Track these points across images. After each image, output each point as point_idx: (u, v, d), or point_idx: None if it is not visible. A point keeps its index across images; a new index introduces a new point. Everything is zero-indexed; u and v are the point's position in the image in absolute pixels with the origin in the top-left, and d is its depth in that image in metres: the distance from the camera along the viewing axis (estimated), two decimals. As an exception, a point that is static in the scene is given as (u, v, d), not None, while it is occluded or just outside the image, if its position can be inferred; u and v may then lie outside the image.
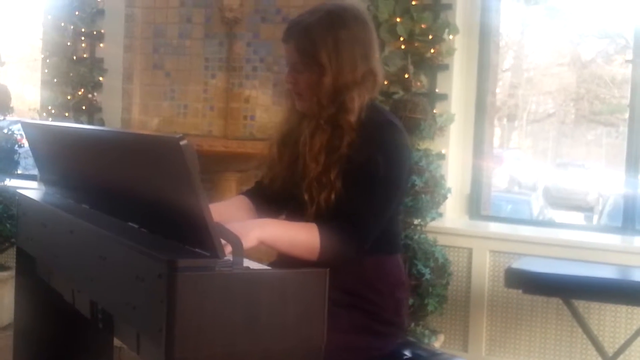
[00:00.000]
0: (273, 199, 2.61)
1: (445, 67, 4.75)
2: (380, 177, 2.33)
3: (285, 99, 2.63)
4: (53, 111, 5.68)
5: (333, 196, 2.34)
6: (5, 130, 5.37)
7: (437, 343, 4.47)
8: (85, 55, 5.72)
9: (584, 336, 4.06)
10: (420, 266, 4.28)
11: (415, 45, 4.70)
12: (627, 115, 4.93)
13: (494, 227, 4.94)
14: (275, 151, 2.58)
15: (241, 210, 2.65)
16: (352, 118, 2.39)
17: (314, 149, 2.40)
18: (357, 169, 2.33)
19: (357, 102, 2.40)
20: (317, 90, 2.40)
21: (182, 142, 1.76)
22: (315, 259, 2.22)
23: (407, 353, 2.49)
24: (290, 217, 2.51)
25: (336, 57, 2.39)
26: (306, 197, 2.39)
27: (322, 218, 2.34)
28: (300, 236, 2.25)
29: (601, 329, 4.35)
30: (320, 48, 2.39)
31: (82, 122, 5.55)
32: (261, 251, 2.30)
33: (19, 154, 5.38)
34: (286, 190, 2.52)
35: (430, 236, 4.46)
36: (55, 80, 5.74)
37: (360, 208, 2.31)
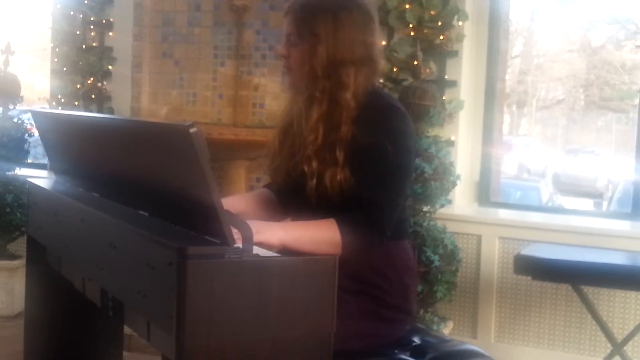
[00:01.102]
0: (278, 192, 2.62)
1: (455, 54, 4.74)
2: (391, 164, 2.33)
3: (288, 89, 2.63)
4: (63, 100, 5.70)
5: (340, 177, 2.34)
6: (16, 120, 5.39)
7: (446, 330, 4.47)
8: (94, 44, 5.72)
9: (593, 322, 4.06)
10: (429, 253, 4.28)
11: (425, 32, 4.69)
12: (637, 101, 4.92)
13: (503, 214, 4.94)
14: (276, 143, 2.58)
15: (264, 202, 2.67)
16: (348, 95, 2.38)
17: (311, 120, 2.40)
18: (366, 155, 2.33)
19: (354, 79, 2.40)
20: (311, 60, 2.40)
21: (192, 130, 1.77)
22: (339, 254, 2.22)
23: (416, 339, 2.49)
24: (291, 199, 2.51)
25: (333, 32, 2.39)
26: (305, 168, 2.39)
27: (327, 199, 2.34)
28: (320, 234, 2.25)
29: (610, 315, 4.36)
30: (318, 20, 2.40)
31: (91, 111, 5.57)
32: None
33: (29, 143, 5.40)
34: (288, 180, 2.52)
35: (439, 223, 4.46)
36: (64, 69, 5.75)
37: (376, 197, 2.31)
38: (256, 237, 2.01)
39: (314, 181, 2.36)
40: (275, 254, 2.06)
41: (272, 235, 2.15)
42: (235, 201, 2.59)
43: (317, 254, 2.19)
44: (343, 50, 2.39)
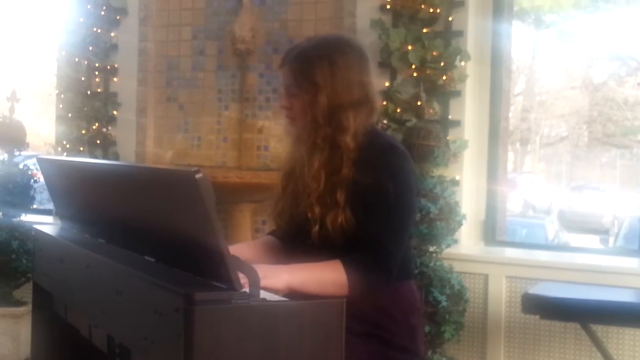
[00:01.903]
0: (283, 235, 2.62)
1: (458, 94, 4.76)
2: (394, 204, 2.34)
3: (287, 135, 2.65)
4: (68, 146, 5.72)
5: (341, 219, 2.35)
6: (21, 166, 5.40)
7: (456, 370, 4.44)
8: (99, 90, 5.76)
9: (604, 361, 4.03)
10: (436, 293, 4.26)
11: (427, 72, 4.71)
12: (640, 138, 4.91)
13: (510, 253, 4.92)
14: (279, 188, 2.59)
15: (269, 250, 2.67)
16: (348, 138, 2.40)
17: (313, 168, 2.42)
18: (368, 196, 2.34)
19: (353, 122, 2.42)
20: (312, 109, 2.42)
21: (198, 176, 1.77)
22: (346, 295, 2.22)
23: (425, 381, 2.48)
24: (296, 243, 2.51)
25: (331, 78, 2.41)
26: (309, 215, 2.40)
27: (330, 241, 2.35)
28: (326, 275, 2.26)
29: (620, 353, 4.32)
30: (315, 68, 2.42)
31: (96, 156, 5.58)
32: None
33: (35, 189, 5.40)
34: (292, 223, 2.52)
35: (445, 263, 4.45)
36: (69, 115, 5.78)
37: (381, 237, 2.32)
38: (262, 282, 2.01)
39: (317, 227, 2.37)
40: (283, 298, 2.05)
41: (278, 280, 2.15)
42: (240, 249, 2.59)
43: (323, 295, 2.19)
44: (341, 94, 2.41)
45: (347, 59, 2.44)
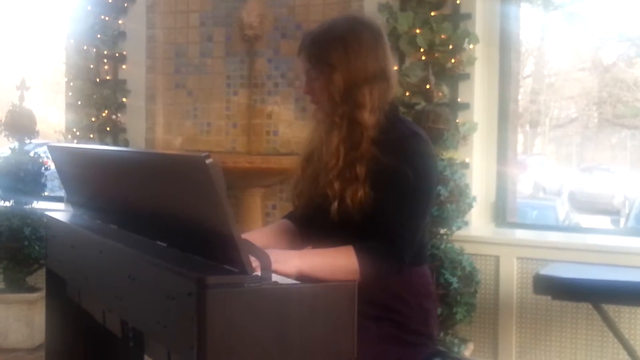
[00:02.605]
0: (302, 216, 2.63)
1: (467, 77, 4.75)
2: (411, 191, 2.34)
3: (311, 119, 2.66)
4: (78, 133, 5.74)
5: (360, 194, 2.36)
6: (32, 154, 5.42)
7: (467, 352, 4.45)
8: (108, 77, 5.77)
9: (615, 341, 4.03)
10: (447, 275, 4.27)
11: (436, 55, 4.71)
12: (650, 118, 4.90)
13: (521, 234, 4.93)
14: (299, 170, 2.61)
15: (285, 234, 2.67)
16: (366, 114, 2.42)
17: (332, 145, 2.44)
18: (387, 179, 2.34)
19: (369, 97, 2.43)
20: (329, 89, 2.44)
21: (208, 161, 1.78)
22: (357, 281, 2.23)
23: (438, 363, 2.49)
24: (314, 223, 2.52)
25: (346, 57, 2.43)
26: (328, 191, 2.41)
27: (349, 217, 2.36)
28: (338, 262, 2.26)
29: (633, 332, 4.32)
30: (329, 50, 2.45)
31: (106, 143, 5.60)
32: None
33: (46, 176, 5.42)
34: (311, 203, 2.54)
35: (456, 245, 4.45)
36: (79, 102, 5.80)
37: (395, 225, 2.32)
38: (273, 267, 2.02)
39: (336, 202, 2.38)
40: (294, 281, 2.06)
41: (289, 265, 2.16)
42: (254, 236, 2.59)
43: (335, 281, 2.20)
44: (357, 72, 2.43)
45: (360, 38, 2.46)
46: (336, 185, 2.39)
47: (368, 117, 2.42)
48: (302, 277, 2.18)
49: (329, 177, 2.42)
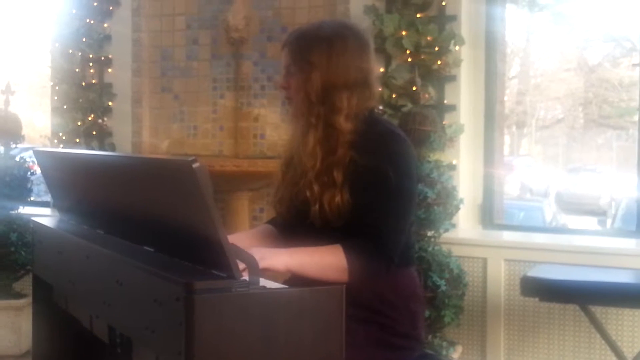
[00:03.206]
0: (283, 222, 2.63)
1: (453, 78, 4.76)
2: (394, 189, 2.34)
3: (289, 123, 2.66)
4: (64, 137, 5.72)
5: (338, 199, 2.35)
6: (17, 158, 5.40)
7: (455, 354, 4.46)
8: (94, 81, 5.75)
9: (603, 342, 4.04)
10: (435, 278, 4.27)
11: (422, 57, 4.71)
12: (636, 118, 4.94)
13: (508, 236, 4.93)
14: (279, 175, 2.61)
15: (266, 238, 2.67)
16: (342, 118, 2.41)
17: (308, 146, 2.43)
18: (368, 180, 2.34)
19: (347, 103, 2.42)
20: (306, 87, 2.44)
21: (195, 165, 1.77)
22: (346, 281, 2.23)
23: (427, 366, 2.49)
24: (295, 227, 2.52)
25: (327, 58, 2.43)
26: (308, 193, 2.40)
27: (328, 223, 2.36)
28: (326, 259, 2.27)
29: (619, 334, 4.34)
30: (312, 49, 2.45)
31: (93, 148, 5.58)
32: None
33: (32, 181, 5.40)
34: (292, 208, 2.53)
35: (444, 247, 4.45)
36: (65, 106, 5.77)
37: (381, 223, 2.32)
38: (262, 263, 2.02)
39: (317, 206, 2.38)
40: (282, 286, 2.06)
41: (277, 261, 2.16)
42: (238, 238, 2.59)
43: (323, 280, 2.20)
44: (337, 75, 2.43)
45: (346, 43, 2.46)
46: (315, 188, 2.39)
47: (344, 123, 2.41)
48: (292, 276, 2.18)
49: (307, 178, 2.41)
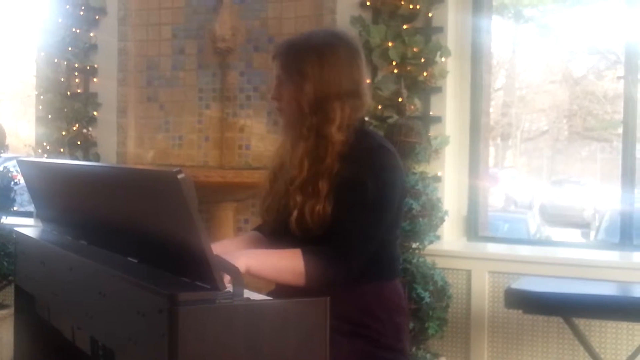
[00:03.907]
0: (270, 232, 2.62)
1: (439, 90, 4.77)
2: (369, 201, 2.34)
3: (280, 133, 2.67)
4: (48, 147, 5.69)
5: (319, 208, 2.35)
6: (1, 168, 5.37)
7: (440, 366, 4.45)
8: (79, 91, 5.73)
9: (586, 354, 4.05)
10: (419, 290, 4.27)
11: (408, 69, 4.72)
12: (620, 131, 4.94)
13: (492, 248, 4.94)
14: (267, 183, 2.60)
15: (255, 245, 2.66)
16: (334, 129, 2.41)
17: (297, 156, 2.43)
18: (345, 190, 2.35)
19: (339, 113, 2.43)
20: (298, 98, 2.44)
21: (180, 176, 1.77)
22: (303, 285, 2.24)
23: (411, 378, 2.48)
24: (279, 235, 2.51)
25: (320, 68, 2.43)
26: (290, 202, 2.41)
27: (309, 232, 2.36)
28: (284, 262, 2.28)
29: (603, 346, 4.34)
30: (304, 59, 2.45)
31: (77, 157, 5.56)
32: (260, 281, 2.31)
33: (15, 191, 5.37)
34: (278, 218, 2.52)
35: (428, 259, 4.45)
36: (49, 116, 5.75)
37: (347, 232, 2.33)
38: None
39: (295, 212, 2.38)
40: (267, 297, 2.05)
41: (237, 263, 2.14)
42: (223, 246, 2.58)
43: (280, 282, 2.25)
44: (329, 85, 2.42)
45: (338, 53, 2.46)
46: (298, 197, 2.39)
47: (336, 133, 2.41)
48: (249, 275, 2.19)
49: (292, 187, 2.42)
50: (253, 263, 2.22)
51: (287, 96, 2.49)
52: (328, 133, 2.41)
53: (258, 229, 2.75)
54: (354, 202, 2.34)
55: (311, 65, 2.43)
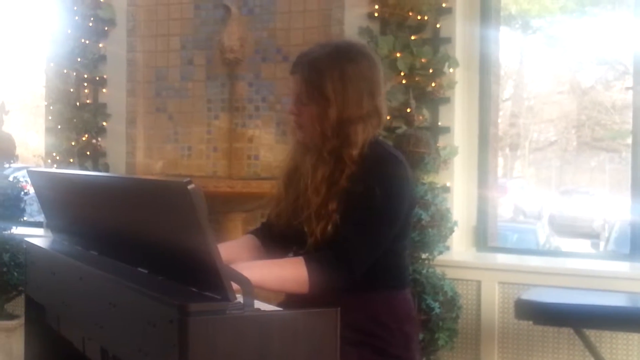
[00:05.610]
0: (279, 236, 2.62)
1: (447, 100, 4.77)
2: (376, 209, 2.34)
3: (291, 136, 2.66)
4: (58, 157, 5.71)
5: (330, 227, 2.36)
6: (11, 178, 5.39)
7: (449, 377, 4.44)
8: (88, 101, 5.75)
9: (597, 365, 4.03)
10: (429, 300, 4.26)
11: (416, 79, 4.72)
12: (629, 141, 4.93)
13: (502, 259, 4.93)
14: (281, 187, 2.60)
15: (248, 250, 2.67)
16: (355, 152, 2.41)
17: (316, 181, 2.43)
18: (353, 200, 2.35)
19: (361, 136, 2.43)
20: (322, 122, 2.43)
21: (190, 187, 1.77)
22: (307, 292, 2.24)
23: (420, 389, 2.47)
24: (297, 253, 2.51)
25: (342, 90, 2.41)
26: (306, 229, 2.41)
27: (320, 249, 2.35)
28: (287, 272, 2.28)
29: (613, 357, 4.32)
30: (326, 80, 2.42)
31: (86, 168, 5.57)
32: (270, 292, 2.30)
33: (25, 201, 5.38)
34: (291, 226, 2.53)
35: (438, 270, 4.45)
36: (59, 126, 5.77)
37: (351, 238, 2.33)
38: None
39: (312, 239, 2.38)
40: (277, 308, 2.05)
41: None
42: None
43: (284, 292, 2.27)
44: (351, 107, 2.42)
45: (359, 68, 2.45)
46: (313, 223, 2.39)
47: (355, 154, 2.41)
48: (287, 299, 2.18)
49: (309, 212, 2.41)
50: (255, 276, 2.19)
51: (307, 115, 2.47)
52: (347, 155, 2.41)
53: (254, 232, 2.75)
54: (360, 209, 2.35)
55: (333, 88, 2.41)
